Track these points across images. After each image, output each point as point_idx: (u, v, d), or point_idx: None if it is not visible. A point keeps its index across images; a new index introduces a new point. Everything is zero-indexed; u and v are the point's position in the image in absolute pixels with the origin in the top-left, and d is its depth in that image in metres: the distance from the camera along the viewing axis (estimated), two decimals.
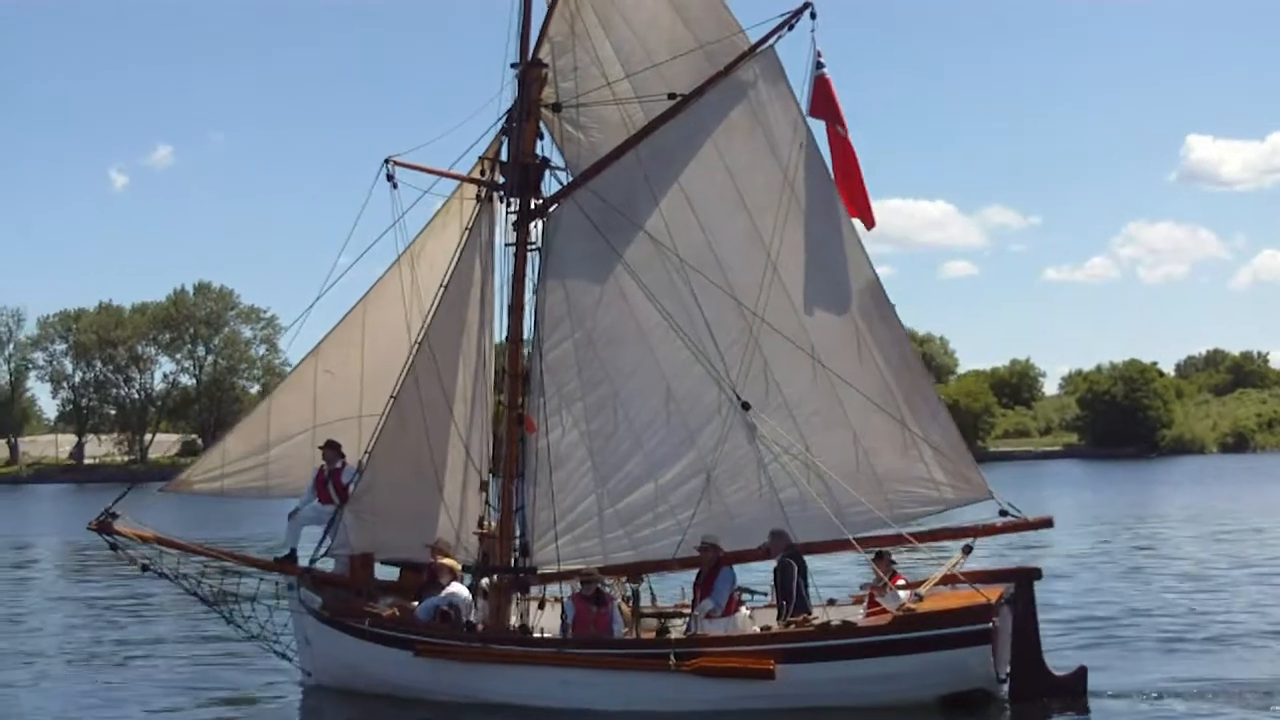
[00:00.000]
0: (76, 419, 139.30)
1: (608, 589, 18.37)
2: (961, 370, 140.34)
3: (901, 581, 17.93)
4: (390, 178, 19.07)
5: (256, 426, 20.87)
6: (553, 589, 19.57)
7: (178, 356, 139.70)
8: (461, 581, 18.68)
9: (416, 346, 19.24)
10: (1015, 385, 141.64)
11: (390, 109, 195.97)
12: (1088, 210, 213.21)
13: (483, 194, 19.62)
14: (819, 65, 18.40)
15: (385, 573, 19.97)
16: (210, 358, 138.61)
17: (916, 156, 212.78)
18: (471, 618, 18.33)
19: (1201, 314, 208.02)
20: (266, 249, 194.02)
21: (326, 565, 19.68)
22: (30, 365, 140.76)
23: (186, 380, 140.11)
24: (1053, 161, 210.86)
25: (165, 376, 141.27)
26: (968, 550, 17.74)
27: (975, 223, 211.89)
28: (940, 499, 18.55)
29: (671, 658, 16.84)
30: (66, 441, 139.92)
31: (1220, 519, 48.52)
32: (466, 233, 19.50)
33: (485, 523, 19.37)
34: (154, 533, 19.34)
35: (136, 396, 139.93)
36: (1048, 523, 18.30)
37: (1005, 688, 17.12)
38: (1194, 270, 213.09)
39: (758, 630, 17.60)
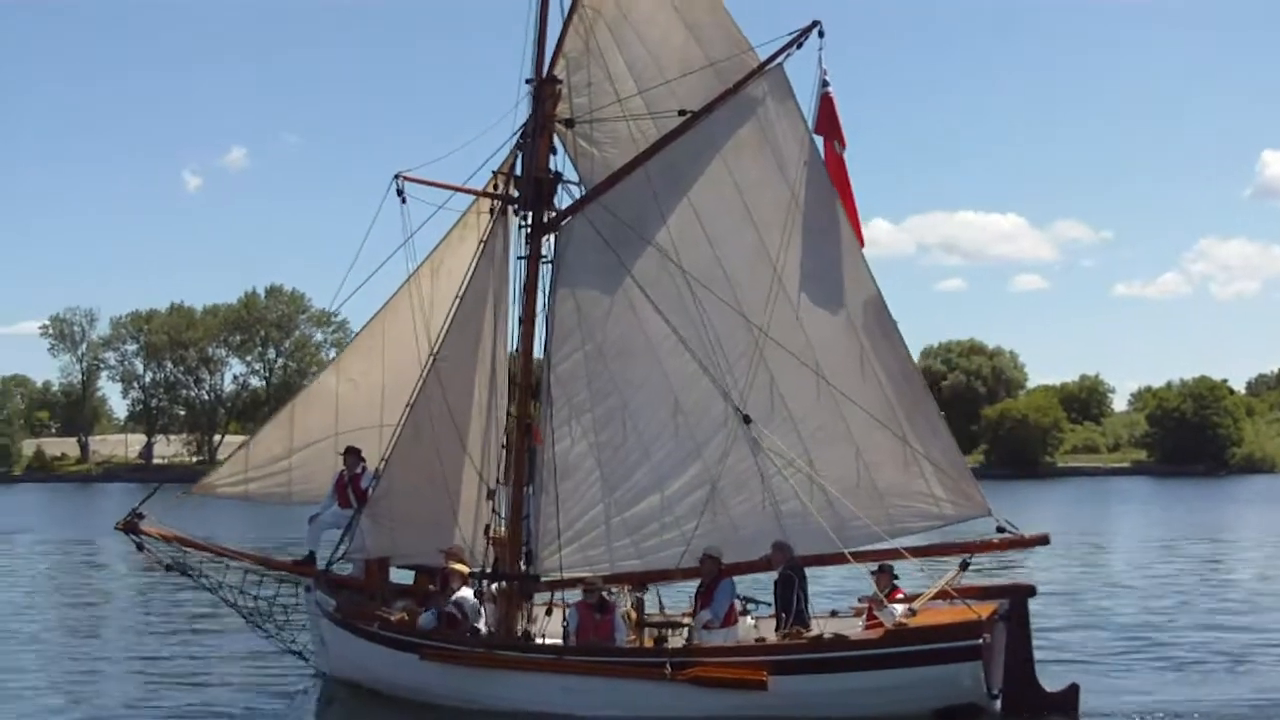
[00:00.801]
0: (146, 419, 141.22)
1: (612, 597, 18.66)
2: (1031, 385, 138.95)
3: (901, 595, 18.10)
4: (400, 193, 19.43)
5: (280, 433, 21.35)
6: (562, 596, 19.85)
7: (248, 359, 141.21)
8: (471, 587, 19.01)
9: (432, 357, 19.56)
10: (1084, 401, 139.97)
11: (425, 123, 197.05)
12: (1160, 226, 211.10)
13: (497, 207, 19.96)
14: (824, 83, 18.66)
15: (401, 577, 20.40)
16: (280, 360, 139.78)
17: (988, 169, 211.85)
18: (479, 623, 18.67)
19: (1274, 331, 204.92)
20: (338, 253, 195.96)
21: (345, 568, 20.10)
22: (102, 365, 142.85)
23: (256, 382, 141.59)
24: (1125, 176, 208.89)
25: (235, 378, 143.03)
26: (965, 566, 18.00)
27: (1046, 236, 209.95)
28: (940, 514, 18.70)
29: (667, 667, 17.11)
30: (136, 441, 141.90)
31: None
32: (481, 245, 19.85)
33: (492, 530, 19.71)
34: (176, 533, 19.84)
35: (206, 398, 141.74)
36: (1044, 540, 18.39)
37: (998, 703, 17.18)
38: (1266, 287, 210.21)
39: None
